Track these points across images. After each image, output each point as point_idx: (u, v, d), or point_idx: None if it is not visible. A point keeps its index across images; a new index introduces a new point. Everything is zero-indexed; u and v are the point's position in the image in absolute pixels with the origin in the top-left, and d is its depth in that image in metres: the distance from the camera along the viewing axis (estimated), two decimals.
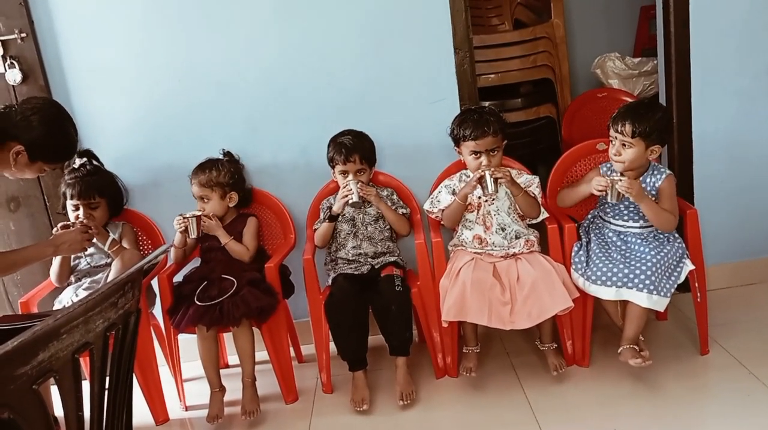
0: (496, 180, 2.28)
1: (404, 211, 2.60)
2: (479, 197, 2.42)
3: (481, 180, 2.29)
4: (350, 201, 2.45)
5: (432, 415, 2.32)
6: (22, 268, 2.29)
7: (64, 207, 2.51)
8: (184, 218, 2.41)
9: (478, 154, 2.39)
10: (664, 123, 2.28)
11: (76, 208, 2.45)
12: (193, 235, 2.43)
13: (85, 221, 2.37)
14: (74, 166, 2.51)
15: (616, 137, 2.28)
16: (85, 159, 2.52)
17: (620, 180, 2.21)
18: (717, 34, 2.65)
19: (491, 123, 2.38)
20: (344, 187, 2.47)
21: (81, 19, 2.59)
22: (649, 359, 2.22)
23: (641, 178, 2.32)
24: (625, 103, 2.38)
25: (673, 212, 2.30)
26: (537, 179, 2.48)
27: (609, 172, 2.39)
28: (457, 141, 2.45)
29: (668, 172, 2.34)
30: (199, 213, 2.44)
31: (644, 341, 2.33)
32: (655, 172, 2.33)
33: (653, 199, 2.30)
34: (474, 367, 2.43)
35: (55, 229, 2.35)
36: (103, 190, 2.51)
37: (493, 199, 2.42)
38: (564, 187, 2.52)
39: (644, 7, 4.15)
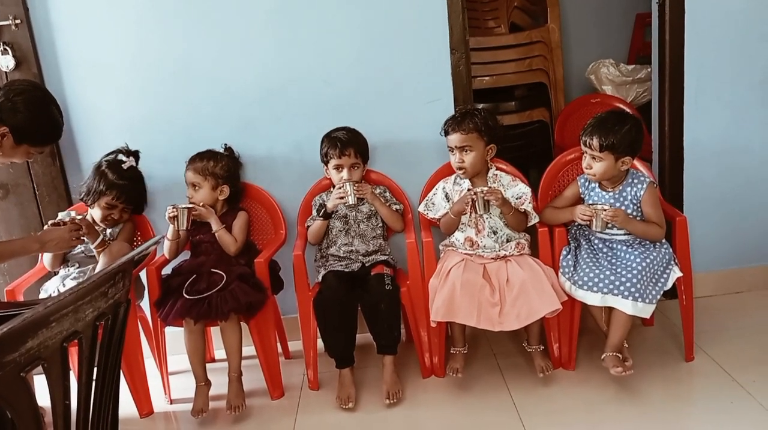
0: (487, 201, 2.29)
1: (398, 207, 2.61)
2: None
3: (473, 202, 2.29)
4: (347, 204, 2.46)
5: (417, 414, 2.32)
6: (6, 261, 2.26)
7: (89, 194, 2.46)
8: (174, 207, 2.41)
9: (453, 150, 2.41)
10: (633, 135, 2.24)
11: (109, 208, 2.45)
12: (182, 227, 2.42)
13: (77, 220, 2.35)
14: (123, 165, 2.49)
15: (586, 151, 2.29)
16: (134, 162, 2.53)
17: (604, 210, 2.22)
18: (712, 43, 2.68)
19: (466, 122, 2.39)
20: (339, 188, 2.47)
21: (77, 11, 2.57)
22: (631, 369, 2.23)
23: (621, 189, 2.33)
24: (594, 116, 2.33)
25: (659, 223, 2.31)
26: (529, 193, 2.45)
27: (587, 183, 2.41)
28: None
29: (649, 179, 2.34)
30: (191, 206, 2.44)
31: (628, 348, 2.34)
32: (635, 182, 2.33)
33: (637, 211, 2.31)
34: (461, 367, 2.44)
35: (46, 225, 2.33)
36: (139, 202, 2.59)
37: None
38: (548, 206, 2.49)
39: (640, 15, 4.18)
